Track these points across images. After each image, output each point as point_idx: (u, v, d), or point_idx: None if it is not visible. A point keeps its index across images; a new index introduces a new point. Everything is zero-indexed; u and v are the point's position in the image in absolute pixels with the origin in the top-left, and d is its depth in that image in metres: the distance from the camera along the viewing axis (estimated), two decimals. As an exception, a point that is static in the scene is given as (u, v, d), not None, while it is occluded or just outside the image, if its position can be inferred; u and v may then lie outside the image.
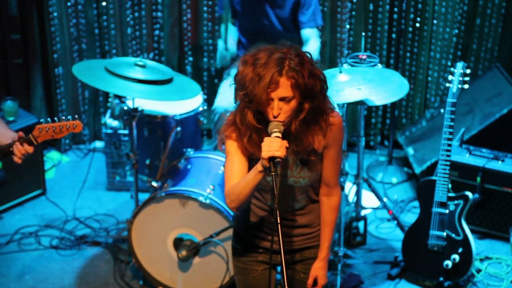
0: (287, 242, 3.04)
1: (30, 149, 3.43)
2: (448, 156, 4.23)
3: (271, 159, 2.70)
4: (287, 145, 2.73)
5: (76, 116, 3.52)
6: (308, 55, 2.80)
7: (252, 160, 2.91)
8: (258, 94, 2.72)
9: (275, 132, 2.75)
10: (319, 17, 4.80)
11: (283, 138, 2.75)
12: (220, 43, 4.88)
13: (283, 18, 4.75)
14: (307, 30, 4.76)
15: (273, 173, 2.69)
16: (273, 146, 2.70)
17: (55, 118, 3.47)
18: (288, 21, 4.77)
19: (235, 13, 4.86)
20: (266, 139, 2.74)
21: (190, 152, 4.55)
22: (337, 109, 2.96)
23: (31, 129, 3.43)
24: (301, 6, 4.73)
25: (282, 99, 2.75)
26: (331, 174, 3.01)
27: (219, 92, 4.96)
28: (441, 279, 4.38)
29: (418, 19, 5.55)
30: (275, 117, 2.76)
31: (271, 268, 2.93)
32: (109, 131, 5.24)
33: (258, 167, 2.75)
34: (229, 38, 4.83)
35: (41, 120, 3.51)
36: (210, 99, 5.78)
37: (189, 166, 4.45)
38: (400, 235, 4.83)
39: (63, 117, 3.47)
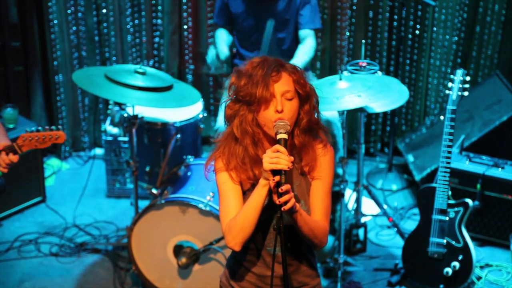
0: None
1: (14, 158, 3.40)
2: (448, 163, 4.23)
3: (274, 172, 2.54)
4: (292, 159, 2.57)
5: (60, 127, 3.50)
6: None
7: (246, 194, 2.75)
8: (259, 89, 2.61)
9: (281, 132, 2.61)
10: (317, 20, 4.80)
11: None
12: (212, 50, 4.87)
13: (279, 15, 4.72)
14: (305, 31, 4.77)
15: (273, 180, 2.53)
16: (275, 158, 2.54)
17: (39, 128, 3.44)
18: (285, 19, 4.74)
19: (231, 21, 4.84)
20: (267, 151, 2.59)
21: (190, 159, 4.55)
22: (322, 117, 2.83)
23: (31, 136, 3.43)
24: (300, 5, 4.71)
25: (284, 94, 2.64)
26: (319, 208, 2.75)
27: (220, 110, 4.92)
28: (442, 286, 4.38)
29: (418, 26, 5.56)
30: (279, 112, 2.62)
31: (272, 269, 2.77)
32: (109, 138, 5.24)
33: (261, 182, 2.59)
34: (221, 43, 4.81)
35: (26, 128, 3.48)
36: (209, 106, 5.79)
37: (189, 173, 4.45)
38: (400, 242, 4.83)
39: (47, 127, 3.45)
